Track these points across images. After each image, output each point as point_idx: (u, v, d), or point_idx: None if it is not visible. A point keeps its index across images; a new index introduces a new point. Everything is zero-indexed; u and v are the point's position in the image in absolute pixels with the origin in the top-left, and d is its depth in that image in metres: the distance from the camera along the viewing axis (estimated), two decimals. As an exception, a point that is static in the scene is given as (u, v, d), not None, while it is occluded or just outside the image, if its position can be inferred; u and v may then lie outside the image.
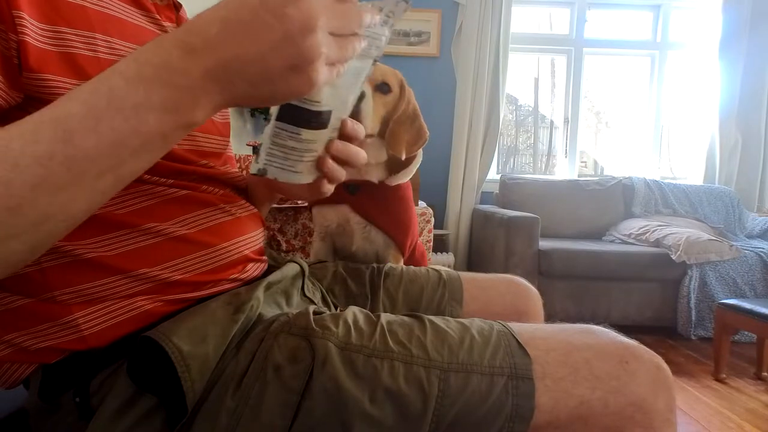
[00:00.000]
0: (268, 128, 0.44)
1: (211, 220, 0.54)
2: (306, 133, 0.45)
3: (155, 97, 0.34)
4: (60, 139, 0.33)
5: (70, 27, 0.44)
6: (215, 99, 0.36)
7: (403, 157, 0.97)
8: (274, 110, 0.43)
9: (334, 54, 0.37)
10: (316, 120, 0.45)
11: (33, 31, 0.41)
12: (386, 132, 0.96)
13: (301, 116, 0.44)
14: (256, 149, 0.43)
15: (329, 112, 0.46)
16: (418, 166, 1.05)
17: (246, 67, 0.35)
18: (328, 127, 0.47)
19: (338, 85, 0.44)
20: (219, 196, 0.56)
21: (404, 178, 1.04)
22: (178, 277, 0.51)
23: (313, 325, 0.51)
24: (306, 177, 0.49)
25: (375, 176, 1.01)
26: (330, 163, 0.50)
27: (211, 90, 0.36)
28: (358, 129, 0.51)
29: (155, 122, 0.35)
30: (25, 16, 0.41)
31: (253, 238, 0.60)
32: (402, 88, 0.99)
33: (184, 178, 0.52)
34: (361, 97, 0.89)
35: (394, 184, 1.02)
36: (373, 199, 1.01)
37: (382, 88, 0.95)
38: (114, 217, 0.47)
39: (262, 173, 0.44)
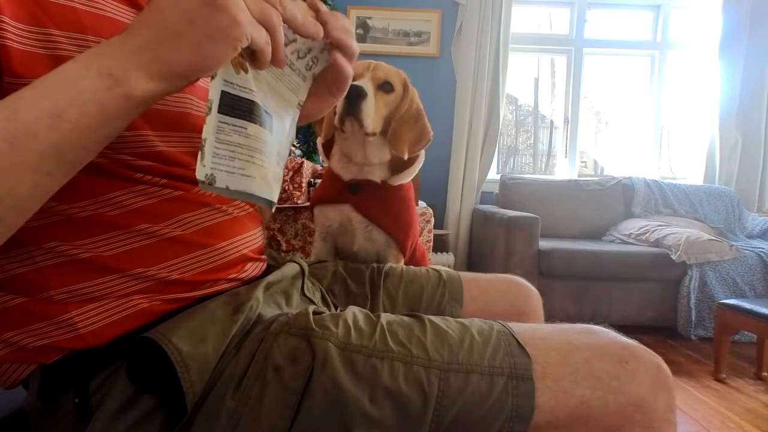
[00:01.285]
0: (211, 123, 0.42)
1: (208, 221, 0.54)
2: (251, 128, 0.45)
3: (93, 66, 0.37)
4: (6, 117, 0.34)
5: (59, 29, 0.43)
6: (151, 67, 0.38)
7: (406, 157, 0.97)
8: (214, 100, 0.42)
9: (254, 6, 0.39)
10: (256, 111, 0.45)
11: (16, 34, 0.41)
12: (389, 131, 0.96)
13: (240, 105, 0.44)
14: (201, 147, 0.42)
15: (269, 114, 0.47)
16: (420, 166, 1.05)
17: (166, 17, 0.38)
18: (272, 132, 0.47)
19: (266, 82, 0.46)
20: (214, 196, 0.56)
21: (406, 178, 1.04)
22: (176, 276, 0.51)
23: (313, 326, 0.51)
24: (260, 185, 0.46)
25: (377, 176, 1.01)
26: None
27: (143, 58, 0.38)
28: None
29: (90, 88, 0.36)
30: (7, 19, 0.40)
31: (251, 238, 0.60)
32: (405, 87, 0.99)
33: (178, 179, 0.52)
34: (362, 95, 0.89)
35: (396, 184, 1.02)
36: (374, 199, 1.00)
37: (384, 87, 0.95)
38: (107, 218, 0.47)
39: (210, 180, 0.42)
